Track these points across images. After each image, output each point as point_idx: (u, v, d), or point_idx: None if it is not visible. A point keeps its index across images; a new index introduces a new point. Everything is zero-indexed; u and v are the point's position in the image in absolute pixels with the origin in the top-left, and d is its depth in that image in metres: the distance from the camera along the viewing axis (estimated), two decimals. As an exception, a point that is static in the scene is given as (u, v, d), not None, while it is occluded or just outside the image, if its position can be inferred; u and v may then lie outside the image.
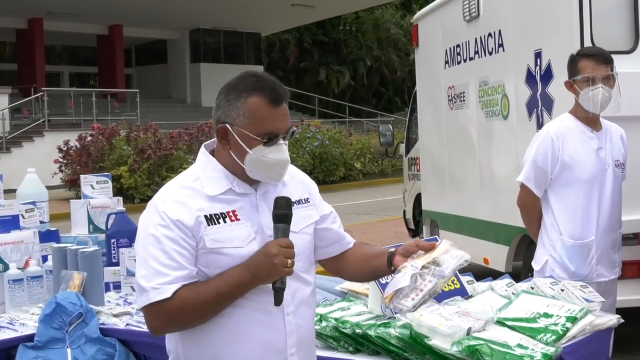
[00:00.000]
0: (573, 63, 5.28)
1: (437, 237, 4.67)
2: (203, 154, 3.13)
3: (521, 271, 8.01)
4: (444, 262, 2.99)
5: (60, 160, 24.56)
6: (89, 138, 24.27)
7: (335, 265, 3.39)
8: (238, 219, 2.99)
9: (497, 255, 8.54)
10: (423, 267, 2.97)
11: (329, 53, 49.93)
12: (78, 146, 24.22)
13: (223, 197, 3.01)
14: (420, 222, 12.10)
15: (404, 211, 13.44)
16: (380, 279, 4.09)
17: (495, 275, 4.91)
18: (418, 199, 12.17)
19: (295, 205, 3.10)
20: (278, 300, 2.91)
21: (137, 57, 45.54)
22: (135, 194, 22.69)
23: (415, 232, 12.95)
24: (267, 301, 2.96)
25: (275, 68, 47.61)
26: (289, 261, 2.86)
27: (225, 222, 2.97)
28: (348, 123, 41.35)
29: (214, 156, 3.10)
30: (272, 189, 3.10)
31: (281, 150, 2.98)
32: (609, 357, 4.24)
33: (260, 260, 2.88)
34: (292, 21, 44.17)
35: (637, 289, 6.72)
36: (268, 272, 2.87)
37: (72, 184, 23.81)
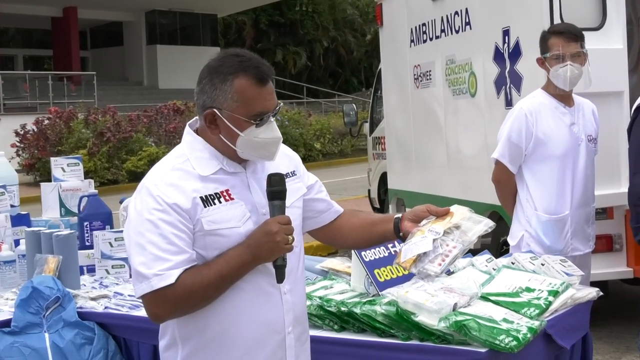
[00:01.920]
0: (544, 40, 5.32)
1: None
2: (189, 134, 3.05)
3: (490, 247, 8.04)
4: (468, 228, 2.99)
5: (17, 144, 24.25)
6: (47, 121, 24.01)
7: (326, 234, 3.38)
8: (232, 198, 2.93)
9: (466, 232, 8.57)
10: (445, 232, 2.96)
11: (286, 34, 49.76)
12: (35, 130, 23.96)
13: (215, 176, 2.95)
14: (386, 201, 12.13)
15: (369, 190, 13.47)
16: (364, 256, 4.11)
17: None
18: (383, 178, 12.20)
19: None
20: (280, 278, 2.88)
21: (93, 40, 45.03)
22: (94, 177, 22.46)
23: (380, 211, 12.97)
24: (266, 282, 2.95)
25: (232, 49, 47.33)
26: (290, 237, 2.85)
27: (220, 202, 2.91)
28: (306, 104, 41.32)
29: (199, 135, 3.03)
30: (260, 166, 3.06)
31: (272, 129, 2.93)
32: (588, 330, 4.28)
33: (261, 240, 2.84)
34: (248, 2, 43.97)
35: (606, 262, 6.81)
36: (270, 250, 2.84)
37: (30, 168, 23.64)
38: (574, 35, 5.26)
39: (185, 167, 2.95)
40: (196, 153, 2.98)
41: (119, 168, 23.46)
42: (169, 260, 2.80)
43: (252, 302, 2.94)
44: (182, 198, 2.86)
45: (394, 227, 3.17)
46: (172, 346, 3.02)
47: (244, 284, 2.92)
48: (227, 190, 2.94)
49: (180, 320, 2.96)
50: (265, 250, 2.84)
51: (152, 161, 23.31)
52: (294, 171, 3.19)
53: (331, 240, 3.44)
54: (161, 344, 3.09)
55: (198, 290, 2.82)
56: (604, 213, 6.62)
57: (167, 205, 2.84)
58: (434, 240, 2.98)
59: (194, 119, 3.09)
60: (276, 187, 2.91)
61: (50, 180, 6.05)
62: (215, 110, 2.91)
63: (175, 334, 3.00)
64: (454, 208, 3.10)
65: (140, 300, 2.95)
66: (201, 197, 2.89)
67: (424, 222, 3.10)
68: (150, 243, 2.82)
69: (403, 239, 3.14)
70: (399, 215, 3.19)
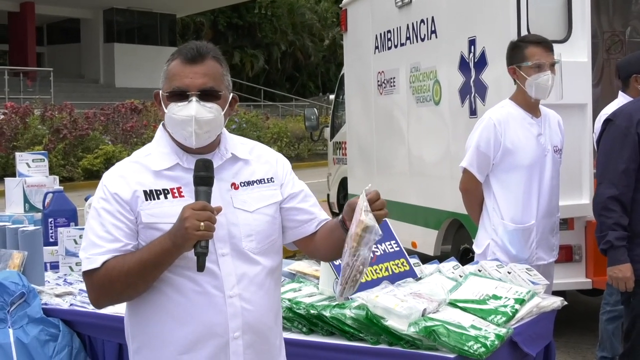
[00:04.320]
0: (518, 49, 5.33)
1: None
2: (160, 130, 3.10)
3: (450, 255, 8.11)
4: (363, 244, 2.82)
5: (-28, 138, 24.02)
6: (2, 117, 23.78)
7: (308, 247, 3.25)
8: (182, 196, 2.94)
9: (426, 239, 8.64)
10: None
11: (244, 37, 49.74)
12: (-10, 125, 23.73)
13: (170, 173, 2.98)
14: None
15: (328, 195, 13.50)
16: (334, 261, 4.10)
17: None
18: (343, 183, 12.24)
19: (256, 184, 3.08)
20: (199, 266, 2.80)
21: (49, 36, 44.64)
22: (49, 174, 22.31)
23: (338, 216, 12.98)
24: (209, 283, 2.93)
25: (190, 50, 47.16)
26: (202, 224, 2.74)
27: (166, 198, 2.94)
28: (263, 107, 41.31)
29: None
30: (227, 166, 3.06)
31: (189, 108, 2.91)
32: (552, 338, 4.34)
33: (176, 226, 2.80)
34: (207, 3, 43.88)
35: (566, 273, 6.88)
36: (183, 237, 2.77)
37: (-16, 163, 23.39)
38: (550, 45, 5.34)
39: (144, 162, 3.02)
40: (160, 148, 3.05)
41: (74, 165, 23.33)
42: (101, 246, 2.91)
43: (191, 303, 2.93)
44: (123, 189, 2.95)
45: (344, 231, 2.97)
46: (128, 340, 3.11)
47: (187, 283, 2.93)
48: (178, 188, 2.97)
49: (130, 316, 3.06)
50: (180, 237, 2.78)
51: (109, 159, 23.23)
52: (271, 178, 3.15)
53: (312, 253, 3.31)
54: None
55: (119, 276, 2.87)
56: (564, 224, 6.68)
57: (109, 194, 2.95)
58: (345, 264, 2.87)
59: None
60: (201, 173, 2.87)
61: (5, 176, 6.01)
62: (158, 91, 3.03)
63: (128, 329, 3.09)
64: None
65: None
66: (144, 191, 2.94)
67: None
68: (91, 229, 2.95)
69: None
70: (340, 218, 3.02)
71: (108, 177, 3.00)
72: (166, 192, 2.95)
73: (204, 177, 2.86)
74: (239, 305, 2.98)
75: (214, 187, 2.93)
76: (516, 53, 5.32)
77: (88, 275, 2.92)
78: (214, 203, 2.86)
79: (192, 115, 2.90)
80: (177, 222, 2.79)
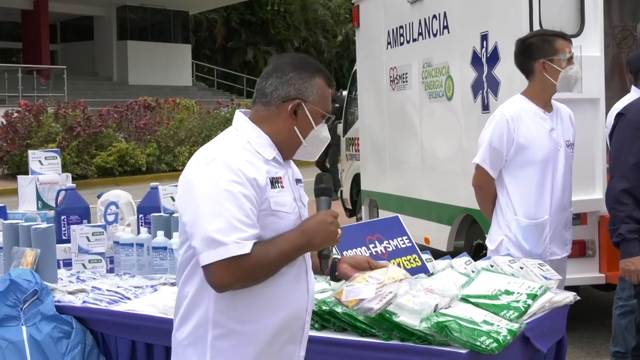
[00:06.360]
0: (548, 43, 5.24)
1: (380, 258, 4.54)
2: (245, 121, 3.18)
3: (463, 251, 8.09)
4: (402, 285, 3.45)
5: (-14, 136, 24.10)
6: (16, 115, 23.86)
7: None
8: (283, 187, 3.11)
9: (439, 234, 8.64)
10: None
11: (257, 33, 49.68)
12: (4, 123, 23.82)
13: (274, 162, 3.13)
14: (358, 202, 12.17)
15: (341, 191, 13.50)
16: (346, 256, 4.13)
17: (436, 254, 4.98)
18: (356, 179, 12.24)
19: (299, 183, 3.28)
20: (325, 266, 3.23)
21: (63, 33, 44.71)
22: (63, 171, 22.36)
23: (352, 212, 13.01)
24: (302, 269, 3.19)
25: (203, 47, 47.25)
26: (340, 230, 3.08)
27: (282, 186, 3.10)
28: (276, 103, 41.29)
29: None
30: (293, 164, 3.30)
31: (326, 130, 3.23)
32: (565, 333, 4.33)
33: (317, 228, 3.05)
34: (220, 0, 43.85)
35: (579, 268, 6.87)
36: (323, 239, 3.07)
37: (-1, 161, 23.49)
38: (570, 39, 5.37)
39: (250, 149, 3.10)
40: (255, 139, 3.13)
41: (88, 163, 23.42)
42: (244, 231, 2.94)
43: (287, 289, 3.13)
44: (259, 175, 3.03)
45: (331, 267, 3.42)
46: (200, 327, 3.09)
47: (288, 268, 3.10)
48: (281, 178, 3.12)
49: (218, 302, 3.04)
50: (319, 238, 3.06)
51: (122, 157, 23.30)
52: (301, 179, 3.34)
53: None
54: (186, 327, 3.13)
55: (263, 265, 2.98)
56: (577, 219, 6.66)
57: (246, 179, 2.99)
58: (377, 289, 3.32)
59: (244, 109, 3.24)
60: (323, 185, 3.24)
61: (19, 173, 6.01)
62: (301, 101, 3.11)
63: (208, 316, 3.07)
64: (391, 267, 3.49)
65: (202, 269, 2.99)
66: (270, 178, 3.06)
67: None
68: (228, 211, 2.93)
69: (335, 278, 3.46)
70: (339, 256, 3.48)
71: (237, 161, 3.00)
72: (279, 180, 3.10)
73: (324, 189, 3.24)
74: (312, 289, 3.27)
75: (293, 184, 3.19)
76: (546, 47, 5.23)
77: (234, 260, 2.91)
78: (297, 196, 3.19)
79: (328, 137, 3.24)
80: (319, 225, 3.07)
